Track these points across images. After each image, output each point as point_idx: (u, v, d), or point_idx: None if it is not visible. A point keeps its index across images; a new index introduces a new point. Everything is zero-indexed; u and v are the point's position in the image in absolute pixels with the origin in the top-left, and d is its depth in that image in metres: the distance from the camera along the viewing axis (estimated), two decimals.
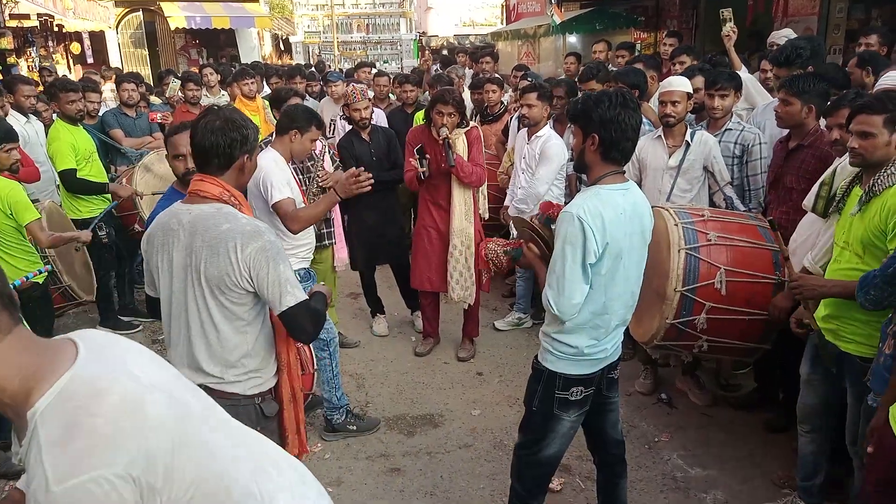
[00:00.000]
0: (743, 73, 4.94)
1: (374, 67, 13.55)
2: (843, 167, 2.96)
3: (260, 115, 6.67)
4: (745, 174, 4.09)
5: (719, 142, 4.12)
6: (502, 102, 6.24)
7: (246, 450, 1.44)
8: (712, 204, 4.09)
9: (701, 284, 3.32)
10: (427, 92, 7.47)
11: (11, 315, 1.22)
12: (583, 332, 2.48)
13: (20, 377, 1.17)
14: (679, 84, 4.06)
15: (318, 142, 4.63)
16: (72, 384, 1.16)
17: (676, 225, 3.37)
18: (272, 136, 3.85)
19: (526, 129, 4.90)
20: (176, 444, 1.21)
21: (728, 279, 3.31)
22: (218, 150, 2.23)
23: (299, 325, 2.22)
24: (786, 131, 3.73)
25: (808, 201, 3.13)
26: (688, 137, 4.05)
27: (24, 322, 3.49)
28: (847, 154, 2.76)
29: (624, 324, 2.62)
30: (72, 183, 5.02)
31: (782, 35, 5.38)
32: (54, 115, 5.70)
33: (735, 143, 4.08)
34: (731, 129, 4.12)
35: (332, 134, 6.29)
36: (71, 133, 5.07)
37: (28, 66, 11.85)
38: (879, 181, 2.57)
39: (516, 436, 2.81)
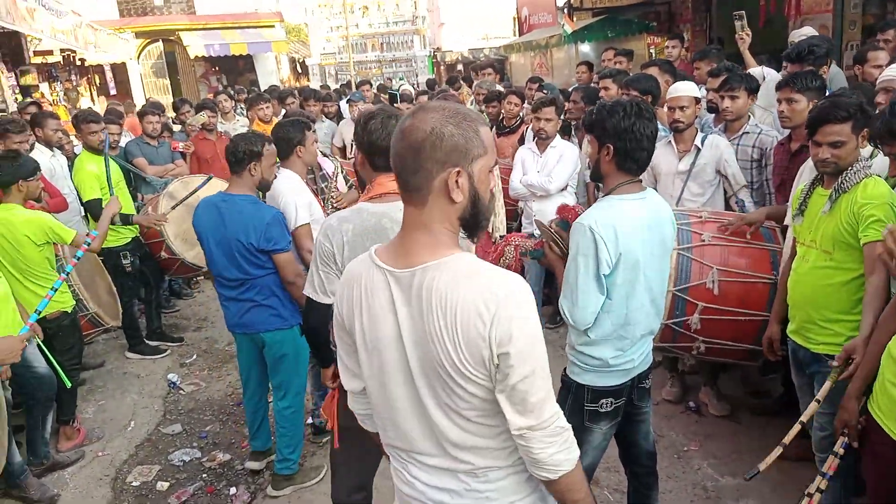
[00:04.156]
0: (771, 73, 4.90)
1: (377, 82, 13.62)
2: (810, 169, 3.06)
3: None
4: (763, 178, 4.05)
5: (737, 145, 4.08)
6: (520, 115, 6.27)
7: None
8: (728, 208, 4.06)
9: (693, 284, 3.33)
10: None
11: None
12: (607, 343, 2.47)
13: None
14: (686, 89, 4.03)
15: (330, 162, 4.70)
16: None
17: None
18: None
19: (535, 141, 4.91)
20: None
21: (721, 279, 3.32)
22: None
23: None
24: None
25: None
26: (698, 142, 4.01)
27: (50, 352, 3.57)
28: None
29: (651, 333, 2.60)
30: (97, 213, 5.11)
31: (801, 34, 5.33)
32: (76, 149, 5.84)
33: (753, 146, 4.05)
34: (748, 133, 4.08)
35: (353, 155, 6.37)
36: (95, 163, 5.17)
37: (53, 101, 12.13)
38: (848, 178, 2.64)
39: None
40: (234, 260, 3.34)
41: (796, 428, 2.43)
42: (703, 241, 3.39)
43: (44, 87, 12.42)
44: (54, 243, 4.05)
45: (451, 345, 1.43)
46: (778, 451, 2.43)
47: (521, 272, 3.05)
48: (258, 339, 3.53)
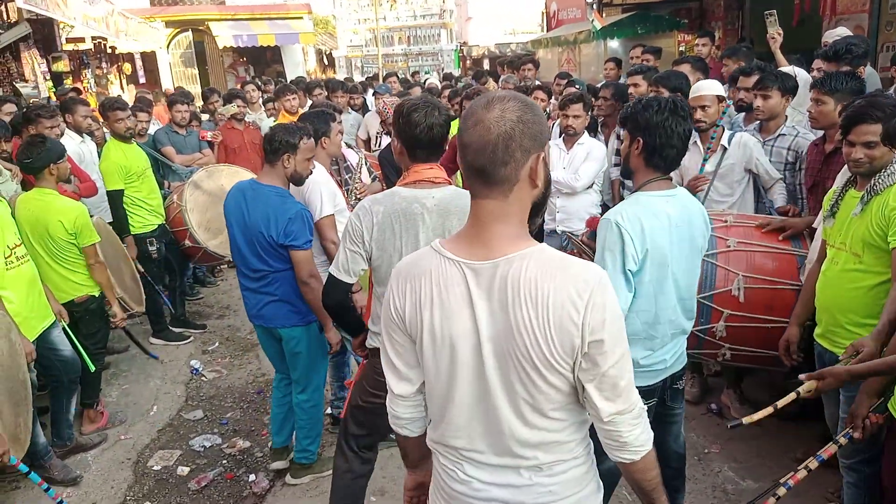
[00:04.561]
0: (802, 73, 4.82)
1: (418, 75, 13.64)
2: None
3: None
4: (797, 181, 3.97)
5: (772, 146, 4.01)
6: (546, 111, 6.23)
7: None
8: (759, 208, 3.98)
9: (717, 291, 3.28)
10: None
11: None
12: (637, 343, 2.44)
13: None
14: (709, 88, 3.95)
15: (355, 154, 4.71)
16: None
17: None
18: None
19: (561, 137, 4.88)
20: None
21: (747, 286, 3.26)
22: (444, 139, 2.42)
23: None
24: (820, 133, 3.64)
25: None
26: (724, 141, 3.93)
27: (76, 335, 3.58)
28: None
29: (683, 333, 2.58)
30: (116, 204, 5.16)
31: (836, 34, 5.25)
32: (106, 136, 5.90)
33: (788, 148, 3.97)
34: (784, 135, 4.01)
35: (378, 147, 6.39)
36: (123, 152, 5.19)
37: (84, 88, 12.29)
38: (881, 181, 2.59)
39: None
40: (255, 250, 3.32)
41: (791, 396, 2.37)
42: (729, 246, 3.34)
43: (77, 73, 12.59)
44: None
45: (542, 335, 1.42)
46: (769, 410, 2.36)
47: None
48: (275, 333, 3.52)
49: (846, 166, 2.91)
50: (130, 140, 5.34)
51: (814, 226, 3.32)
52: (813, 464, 2.39)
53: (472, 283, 1.47)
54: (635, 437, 1.53)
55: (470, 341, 1.49)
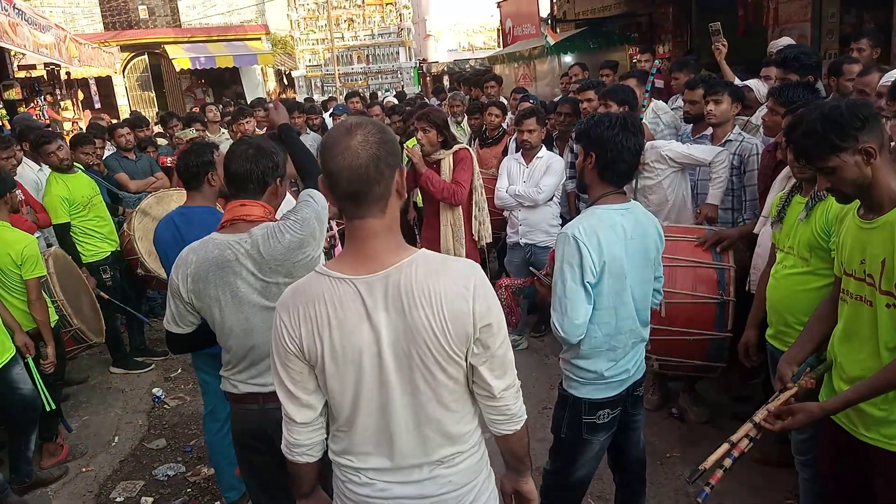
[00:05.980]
0: (758, 83, 4.99)
1: (377, 96, 13.71)
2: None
3: None
4: (742, 184, 4.11)
5: None
6: (502, 126, 6.31)
7: None
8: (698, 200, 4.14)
9: None
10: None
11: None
12: (600, 355, 2.49)
13: None
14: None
15: None
16: None
17: None
18: None
19: (520, 152, 4.96)
20: None
21: (668, 301, 3.34)
22: (252, 176, 2.40)
23: None
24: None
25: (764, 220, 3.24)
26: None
27: (34, 366, 3.44)
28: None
29: (643, 341, 2.64)
30: (63, 238, 5.05)
31: (780, 44, 5.45)
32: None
33: (734, 153, 4.11)
34: (731, 140, 4.15)
35: None
36: (64, 183, 5.05)
37: (35, 116, 12.08)
38: None
39: (533, 457, 2.80)
40: None
41: (744, 439, 2.39)
42: None
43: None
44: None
45: (440, 330, 1.54)
46: (724, 448, 2.38)
47: (514, 312, 3.10)
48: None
49: (785, 170, 3.02)
50: (71, 169, 5.20)
51: (755, 231, 3.44)
52: (752, 430, 2.43)
53: (367, 297, 1.55)
54: (519, 408, 1.73)
55: (371, 353, 1.58)
